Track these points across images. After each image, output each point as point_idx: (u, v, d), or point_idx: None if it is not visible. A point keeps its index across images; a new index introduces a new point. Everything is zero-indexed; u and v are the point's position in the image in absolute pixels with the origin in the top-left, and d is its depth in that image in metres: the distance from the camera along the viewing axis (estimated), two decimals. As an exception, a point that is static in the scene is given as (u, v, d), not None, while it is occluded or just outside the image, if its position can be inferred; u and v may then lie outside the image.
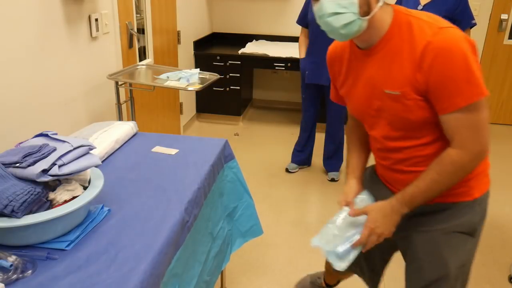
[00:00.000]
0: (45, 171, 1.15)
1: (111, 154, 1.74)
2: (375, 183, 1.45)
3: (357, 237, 1.28)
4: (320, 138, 3.62)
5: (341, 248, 1.29)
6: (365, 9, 1.12)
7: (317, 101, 3.36)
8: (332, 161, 3.43)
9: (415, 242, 1.35)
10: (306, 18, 3.16)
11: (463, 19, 2.65)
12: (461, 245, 1.30)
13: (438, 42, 1.07)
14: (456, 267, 1.29)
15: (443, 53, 1.06)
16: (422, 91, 1.12)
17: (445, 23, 1.11)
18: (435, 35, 1.07)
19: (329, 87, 3.18)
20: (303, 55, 3.24)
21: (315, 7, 1.16)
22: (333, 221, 1.35)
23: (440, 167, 1.16)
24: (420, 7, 2.71)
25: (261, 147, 3.99)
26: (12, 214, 1.07)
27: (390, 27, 1.15)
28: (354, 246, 1.30)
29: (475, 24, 2.72)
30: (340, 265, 1.29)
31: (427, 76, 1.09)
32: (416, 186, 1.19)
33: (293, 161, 3.54)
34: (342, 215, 1.35)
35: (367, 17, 1.12)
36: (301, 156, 3.52)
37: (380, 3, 1.14)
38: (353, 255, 1.30)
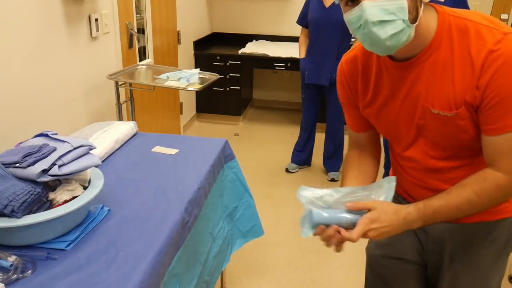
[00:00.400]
0: (45, 171, 1.14)
1: (111, 154, 1.74)
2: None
3: (344, 216, 1.00)
4: (320, 138, 3.62)
5: (326, 214, 1.00)
6: (414, 14, 0.91)
7: (317, 101, 3.36)
8: (332, 161, 3.43)
9: (458, 275, 1.18)
10: (306, 18, 3.16)
11: None
12: (504, 264, 1.19)
13: (503, 51, 0.88)
14: (497, 286, 1.21)
15: (508, 65, 0.88)
16: (476, 108, 0.95)
17: (507, 27, 0.93)
18: (498, 43, 0.89)
19: (329, 87, 3.18)
20: (303, 55, 3.25)
21: (349, 14, 0.93)
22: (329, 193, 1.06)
23: (481, 189, 0.98)
24: None
25: (261, 147, 3.99)
26: (12, 214, 1.06)
27: (436, 33, 0.96)
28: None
29: None
30: (308, 233, 1.02)
31: (483, 91, 0.91)
32: (445, 201, 0.99)
33: (293, 161, 3.54)
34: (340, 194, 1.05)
35: (416, 24, 0.92)
36: (301, 156, 3.52)
37: (423, 6, 0.94)
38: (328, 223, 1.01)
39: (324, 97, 3.30)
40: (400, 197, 1.25)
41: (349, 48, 2.95)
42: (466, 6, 2.66)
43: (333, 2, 2.96)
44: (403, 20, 0.89)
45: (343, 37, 3.02)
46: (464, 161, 1.06)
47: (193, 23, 4.24)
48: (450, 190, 1.00)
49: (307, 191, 1.05)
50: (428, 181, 1.13)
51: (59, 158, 1.19)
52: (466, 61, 0.92)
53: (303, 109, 3.41)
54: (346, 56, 1.17)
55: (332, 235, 0.99)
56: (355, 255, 2.45)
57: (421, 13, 0.93)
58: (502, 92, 0.90)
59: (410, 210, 1.00)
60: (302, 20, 3.22)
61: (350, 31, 0.97)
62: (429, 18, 0.96)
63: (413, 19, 0.91)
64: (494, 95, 0.90)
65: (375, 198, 1.02)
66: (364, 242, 2.70)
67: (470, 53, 0.91)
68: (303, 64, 3.24)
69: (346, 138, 3.36)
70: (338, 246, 1.01)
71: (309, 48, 3.19)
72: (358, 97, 1.15)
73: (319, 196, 1.04)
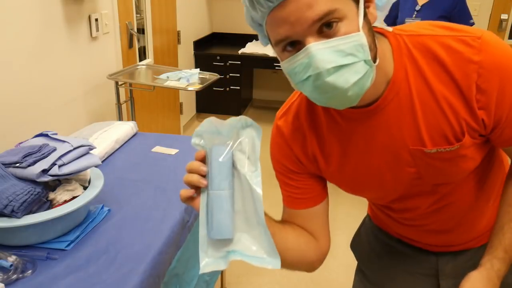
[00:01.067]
0: (45, 171, 1.14)
1: (111, 154, 1.74)
2: (384, 248, 1.08)
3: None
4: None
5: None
6: (374, 50, 0.71)
7: None
8: None
9: None
10: None
11: (460, 18, 2.66)
12: None
13: (492, 59, 0.72)
14: None
15: (505, 71, 0.73)
16: (489, 130, 0.78)
17: (474, 29, 0.77)
18: (479, 51, 0.72)
19: None
20: None
21: (290, 63, 0.69)
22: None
23: None
24: (418, 7, 2.72)
25: (261, 147, 3.98)
26: (12, 214, 1.06)
27: (395, 61, 0.75)
28: None
29: (473, 24, 2.73)
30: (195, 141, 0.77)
31: (493, 112, 0.75)
32: None
33: None
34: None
35: (377, 62, 0.71)
36: None
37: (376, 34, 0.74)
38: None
39: None
40: (394, 239, 1.06)
41: None
42: (464, 6, 2.66)
43: None
44: (365, 61, 0.67)
45: None
46: (464, 188, 0.90)
47: (193, 23, 4.23)
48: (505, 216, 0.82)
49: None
50: (425, 224, 0.96)
51: (59, 158, 1.19)
52: (448, 84, 0.74)
53: None
54: (283, 117, 0.91)
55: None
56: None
57: (378, 45, 0.73)
58: None
59: (497, 267, 0.81)
60: None
61: (292, 85, 0.73)
62: (383, 47, 0.75)
63: (374, 56, 0.70)
64: (509, 105, 0.75)
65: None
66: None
67: (450, 74, 0.73)
68: None
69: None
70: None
71: None
72: (311, 163, 0.89)
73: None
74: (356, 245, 1.19)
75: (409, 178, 0.84)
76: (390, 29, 0.78)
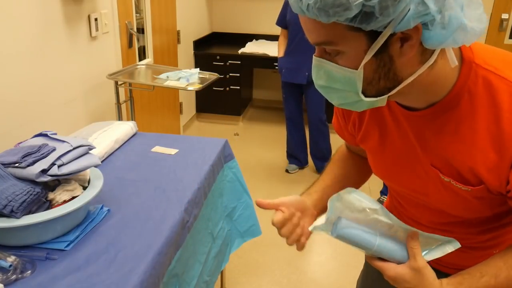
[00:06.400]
0: (44, 171, 1.14)
1: (110, 154, 1.73)
2: None
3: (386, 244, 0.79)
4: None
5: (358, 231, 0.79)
6: (383, 84, 0.68)
7: (298, 99, 3.38)
8: (322, 161, 3.43)
9: None
10: (285, 19, 3.18)
11: None
12: None
13: None
14: None
15: None
16: (505, 190, 0.74)
17: None
18: None
19: (306, 85, 3.19)
20: (281, 54, 3.28)
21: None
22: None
23: None
24: None
25: (261, 147, 3.99)
26: (11, 214, 1.06)
27: (455, 87, 0.71)
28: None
29: None
30: (316, 228, 0.84)
31: None
32: (493, 278, 0.77)
33: (290, 163, 3.55)
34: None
35: (387, 95, 0.70)
36: (295, 160, 3.53)
37: (431, 61, 0.67)
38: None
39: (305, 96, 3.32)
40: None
41: None
42: None
43: None
44: (355, 93, 0.68)
45: None
46: (478, 227, 0.87)
47: (193, 23, 4.23)
48: (500, 272, 0.77)
49: (352, 194, 0.80)
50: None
51: (59, 158, 1.19)
52: (493, 136, 0.69)
53: (285, 109, 3.42)
54: None
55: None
56: (355, 256, 2.44)
57: (416, 74, 0.68)
58: None
59: (451, 282, 0.78)
60: (281, 22, 3.24)
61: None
62: (448, 67, 0.70)
63: (380, 90, 0.68)
64: None
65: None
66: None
67: (501, 128, 0.68)
68: (280, 63, 3.28)
69: (332, 137, 3.37)
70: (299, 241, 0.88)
71: (288, 47, 3.22)
72: (353, 128, 0.95)
73: (361, 208, 0.80)
74: None
75: (416, 191, 0.86)
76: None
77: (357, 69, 0.65)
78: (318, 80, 0.71)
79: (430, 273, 0.77)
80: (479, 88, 0.70)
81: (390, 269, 0.77)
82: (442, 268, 0.97)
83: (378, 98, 0.69)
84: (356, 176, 1.07)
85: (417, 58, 0.67)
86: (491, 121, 0.69)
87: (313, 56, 0.70)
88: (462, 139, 0.73)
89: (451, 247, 0.80)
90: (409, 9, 0.59)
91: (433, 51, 0.67)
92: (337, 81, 0.68)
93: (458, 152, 0.74)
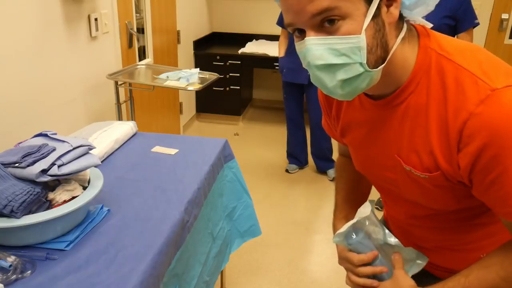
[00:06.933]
0: (44, 171, 1.14)
1: (110, 154, 1.73)
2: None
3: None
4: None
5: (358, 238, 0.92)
6: (379, 54, 0.69)
7: (299, 99, 3.38)
8: (323, 161, 3.43)
9: None
10: None
11: (466, 18, 2.65)
12: None
13: (489, 118, 0.66)
14: None
15: (497, 137, 0.65)
16: (460, 177, 0.75)
17: (504, 76, 0.68)
18: (481, 103, 0.66)
19: (308, 85, 3.19)
20: (282, 54, 3.28)
21: (298, 46, 0.72)
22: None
23: (508, 275, 0.75)
24: None
25: (261, 147, 3.99)
26: (11, 214, 1.06)
27: (412, 72, 0.74)
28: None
29: (478, 24, 2.72)
30: (338, 241, 0.95)
31: (471, 165, 0.70)
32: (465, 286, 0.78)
33: (291, 163, 3.55)
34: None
35: (382, 66, 0.70)
36: (295, 160, 3.53)
37: (402, 34, 0.72)
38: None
39: (306, 96, 3.32)
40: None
41: None
42: (469, 6, 2.65)
43: None
44: (360, 64, 0.67)
45: None
46: (453, 223, 0.88)
47: (193, 23, 4.23)
48: (471, 272, 0.78)
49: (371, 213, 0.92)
50: (413, 233, 0.97)
51: (59, 158, 1.19)
52: (442, 118, 0.71)
53: (286, 109, 3.41)
54: None
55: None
56: (355, 255, 2.44)
57: (395, 45, 0.71)
58: (499, 169, 0.68)
59: None
60: (282, 21, 3.22)
61: (304, 66, 0.75)
62: (407, 50, 0.73)
63: (378, 59, 0.69)
64: (487, 172, 0.69)
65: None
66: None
67: (446, 109, 0.70)
68: (281, 63, 3.27)
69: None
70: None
71: (289, 47, 3.21)
72: (334, 122, 0.98)
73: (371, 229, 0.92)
74: None
75: (389, 183, 0.88)
76: (430, 25, 0.76)
77: (360, 34, 0.66)
78: (317, 60, 0.68)
79: (409, 281, 0.86)
80: (433, 72, 0.72)
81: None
82: (433, 271, 0.98)
83: (376, 69, 0.69)
84: (361, 183, 1.10)
85: (393, 30, 0.71)
86: (441, 104, 0.71)
87: (306, 40, 0.68)
88: (420, 123, 0.75)
89: (423, 261, 0.91)
90: None
91: (402, 26, 0.72)
92: (341, 54, 0.67)
93: (418, 137, 0.76)
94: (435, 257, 0.95)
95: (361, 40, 0.66)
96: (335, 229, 1.04)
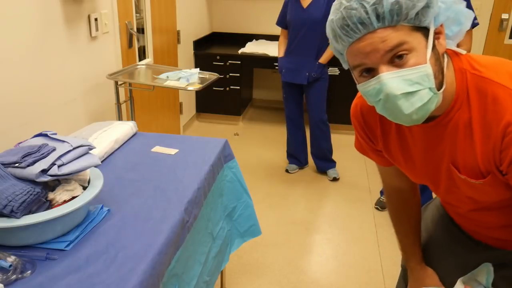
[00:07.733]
0: (44, 171, 1.14)
1: (110, 154, 1.74)
2: (449, 232, 1.18)
3: None
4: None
5: None
6: (440, 78, 0.81)
7: (299, 99, 3.38)
8: (323, 161, 3.43)
9: None
10: (285, 19, 3.18)
11: None
12: None
13: None
14: None
15: None
16: (498, 172, 0.87)
17: None
18: None
19: (307, 86, 3.20)
20: (281, 54, 3.28)
21: (365, 86, 0.81)
22: None
23: None
24: None
25: (261, 147, 3.99)
26: (11, 214, 1.06)
27: (456, 92, 0.85)
28: None
29: (477, 24, 2.72)
30: None
31: (509, 161, 0.82)
32: None
33: (291, 163, 3.55)
34: None
35: (443, 88, 0.82)
36: (295, 160, 3.53)
37: (446, 59, 0.84)
38: None
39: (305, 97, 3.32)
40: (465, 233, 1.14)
41: (328, 47, 2.97)
42: (469, 5, 2.64)
43: (311, 2, 3.00)
44: (430, 89, 0.78)
45: (322, 37, 3.02)
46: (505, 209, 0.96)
47: (193, 23, 4.23)
48: None
49: None
50: (479, 225, 1.06)
51: (59, 158, 1.19)
52: (485, 129, 0.82)
53: (286, 109, 3.41)
54: (363, 102, 1.02)
55: None
56: (355, 256, 2.44)
57: (445, 72, 0.83)
58: None
59: None
60: (281, 22, 3.24)
61: (368, 102, 0.86)
62: (449, 75, 0.85)
63: (440, 83, 0.81)
64: None
65: None
66: (365, 248, 2.68)
67: (487, 121, 0.81)
68: (280, 63, 3.27)
69: (332, 137, 3.38)
70: None
71: (288, 47, 3.21)
72: (377, 142, 1.06)
73: None
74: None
75: (448, 188, 0.98)
76: (463, 52, 0.87)
77: (426, 63, 0.77)
78: (395, 91, 0.77)
79: None
80: (471, 90, 0.83)
81: None
82: (489, 241, 1.07)
83: (440, 91, 0.81)
84: (411, 209, 1.22)
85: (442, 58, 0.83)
86: (481, 117, 0.82)
87: (381, 75, 0.78)
88: (467, 135, 0.85)
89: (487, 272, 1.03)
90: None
91: (443, 55, 0.83)
92: (414, 83, 0.78)
93: (468, 148, 0.86)
94: (494, 232, 1.04)
95: (428, 68, 0.77)
96: (417, 274, 1.20)
